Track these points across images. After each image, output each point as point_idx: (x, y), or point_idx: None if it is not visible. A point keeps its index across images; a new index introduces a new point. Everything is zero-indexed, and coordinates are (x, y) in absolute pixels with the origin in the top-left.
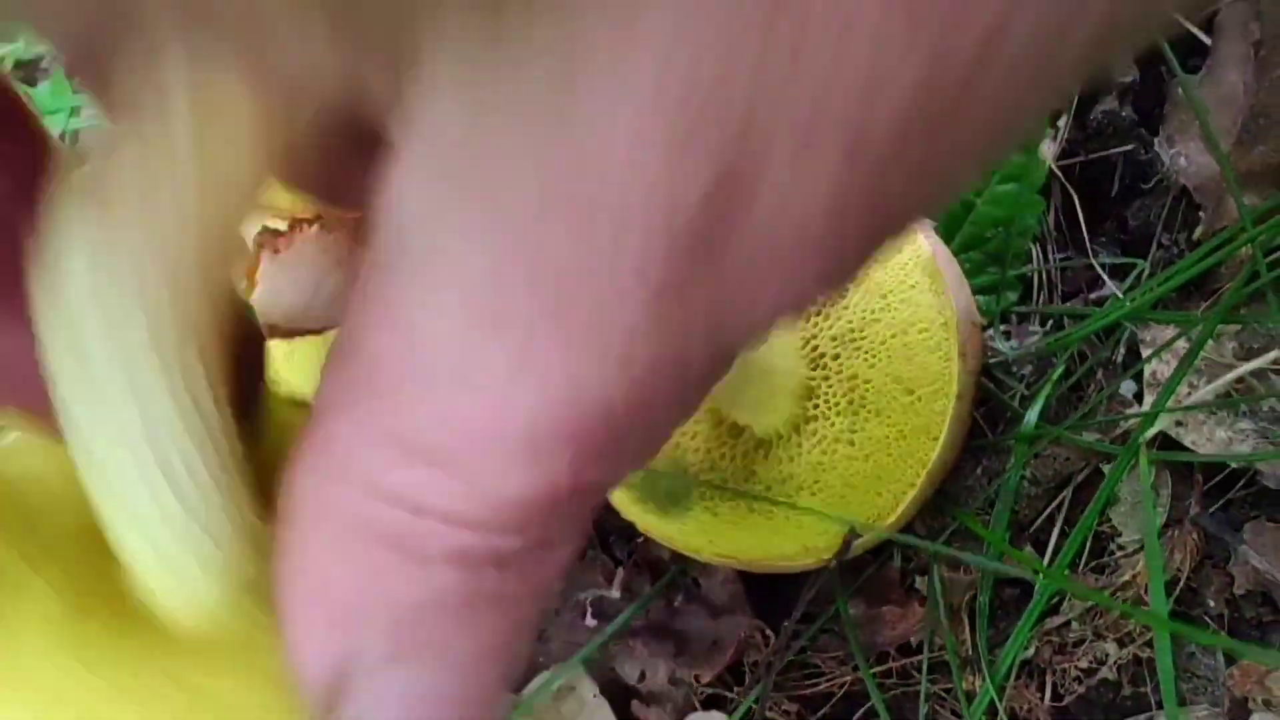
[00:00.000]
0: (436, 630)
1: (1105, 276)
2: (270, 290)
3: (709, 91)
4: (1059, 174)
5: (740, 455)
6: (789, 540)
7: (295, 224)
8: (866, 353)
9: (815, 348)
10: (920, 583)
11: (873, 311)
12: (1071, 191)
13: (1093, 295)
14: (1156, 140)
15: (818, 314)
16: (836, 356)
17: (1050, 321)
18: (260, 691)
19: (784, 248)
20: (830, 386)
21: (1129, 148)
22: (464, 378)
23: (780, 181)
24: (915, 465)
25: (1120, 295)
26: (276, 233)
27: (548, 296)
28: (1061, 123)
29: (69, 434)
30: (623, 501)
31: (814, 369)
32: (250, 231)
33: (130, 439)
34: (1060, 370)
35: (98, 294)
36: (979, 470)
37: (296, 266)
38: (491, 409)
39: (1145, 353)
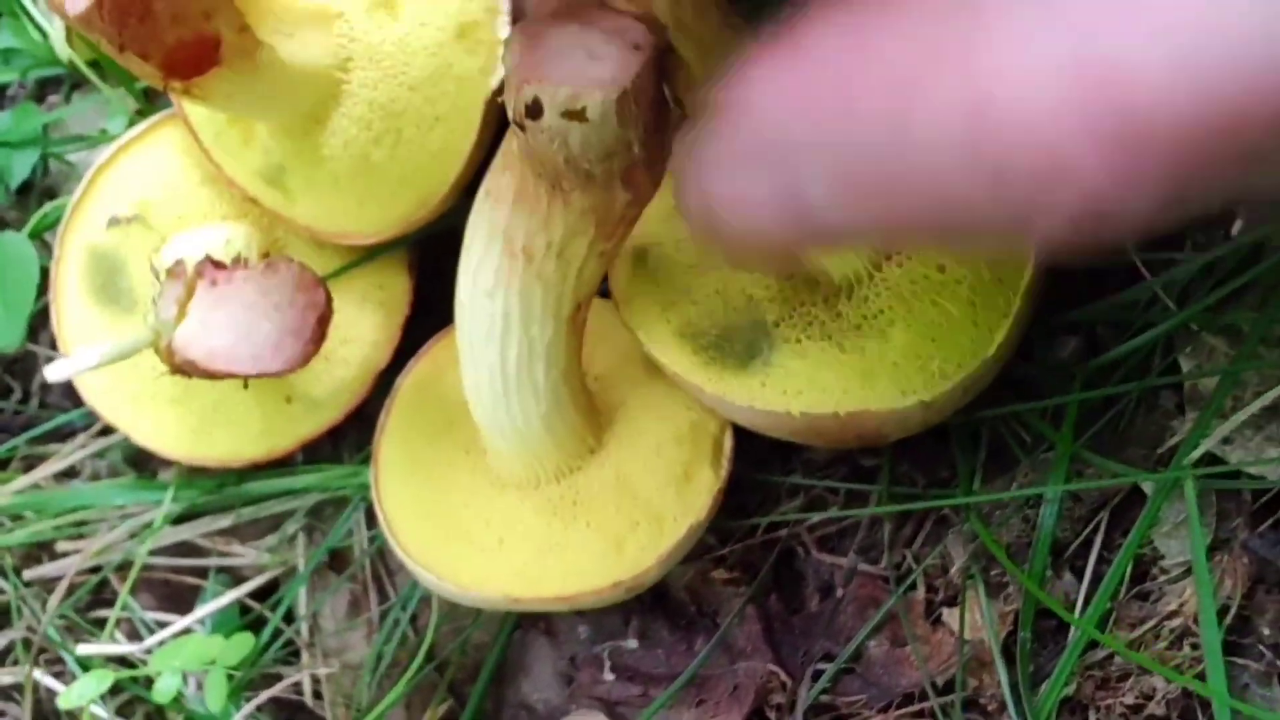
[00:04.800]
0: None
1: (1145, 271)
2: (199, 324)
3: None
4: None
5: (821, 302)
6: (885, 382)
7: (240, 259)
8: None
9: None
10: (949, 615)
11: None
12: None
13: (1123, 294)
14: None
15: None
16: None
17: (1084, 328)
18: None
19: None
20: None
21: None
22: None
23: None
24: (1007, 292)
25: (1161, 294)
26: (218, 264)
27: None
28: None
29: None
30: (689, 366)
31: None
32: (189, 251)
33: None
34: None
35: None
36: (1013, 485)
37: (233, 303)
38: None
39: (1184, 361)
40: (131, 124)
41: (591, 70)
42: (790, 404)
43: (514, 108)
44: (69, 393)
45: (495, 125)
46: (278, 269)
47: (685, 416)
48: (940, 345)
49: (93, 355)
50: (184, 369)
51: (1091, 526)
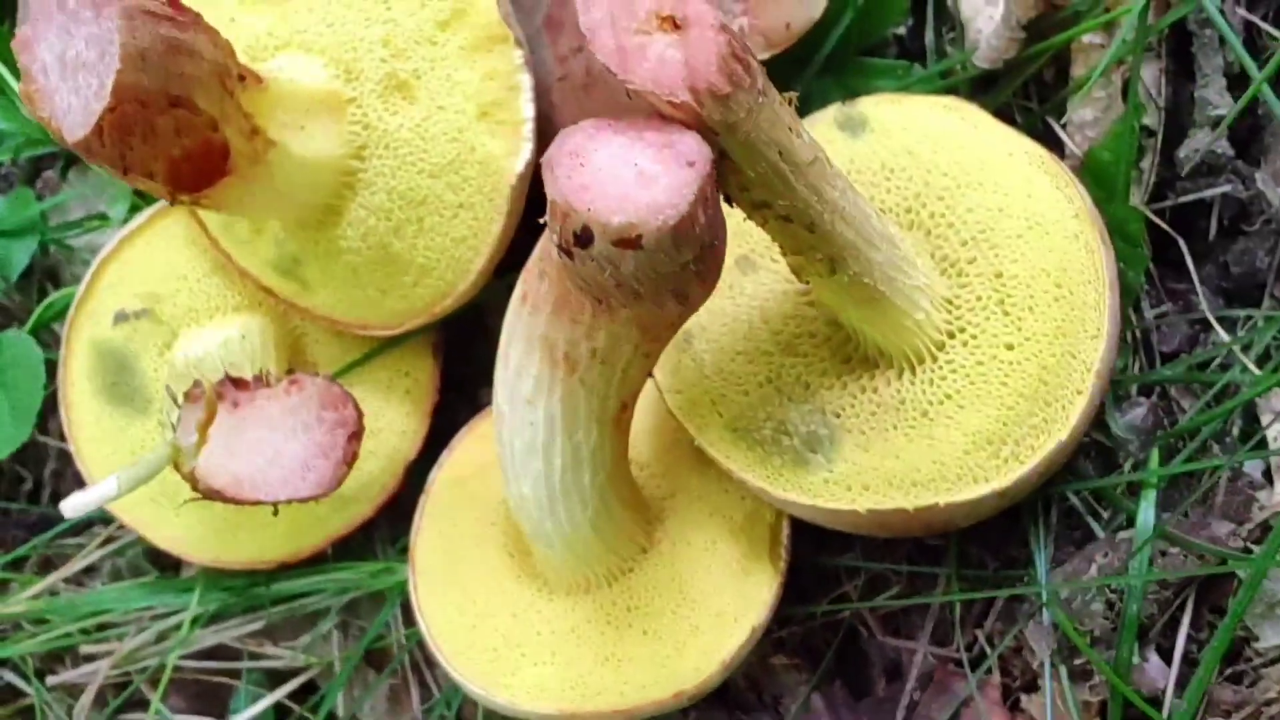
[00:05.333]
0: None
1: (1220, 330)
2: (223, 449)
3: None
4: (1152, 218)
5: (883, 385)
6: (956, 471)
7: (262, 375)
8: (1003, 248)
9: (944, 255)
10: (1028, 702)
11: (999, 208)
12: (1174, 235)
13: (1197, 354)
14: (1259, 176)
15: (936, 218)
16: (972, 260)
17: (1156, 390)
18: None
19: None
20: (971, 291)
21: (1226, 188)
22: None
23: None
24: (1080, 368)
25: (1240, 355)
26: (239, 383)
27: None
28: (1146, 164)
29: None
30: (745, 463)
31: (947, 278)
32: (202, 350)
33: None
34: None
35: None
36: (1092, 565)
37: (257, 425)
38: None
39: (1266, 420)
40: (133, 208)
41: (645, 194)
42: (856, 501)
43: (559, 233)
44: (83, 483)
45: (523, 208)
46: (302, 385)
47: (739, 507)
48: (1012, 428)
49: (110, 487)
50: (210, 496)
51: (1177, 605)
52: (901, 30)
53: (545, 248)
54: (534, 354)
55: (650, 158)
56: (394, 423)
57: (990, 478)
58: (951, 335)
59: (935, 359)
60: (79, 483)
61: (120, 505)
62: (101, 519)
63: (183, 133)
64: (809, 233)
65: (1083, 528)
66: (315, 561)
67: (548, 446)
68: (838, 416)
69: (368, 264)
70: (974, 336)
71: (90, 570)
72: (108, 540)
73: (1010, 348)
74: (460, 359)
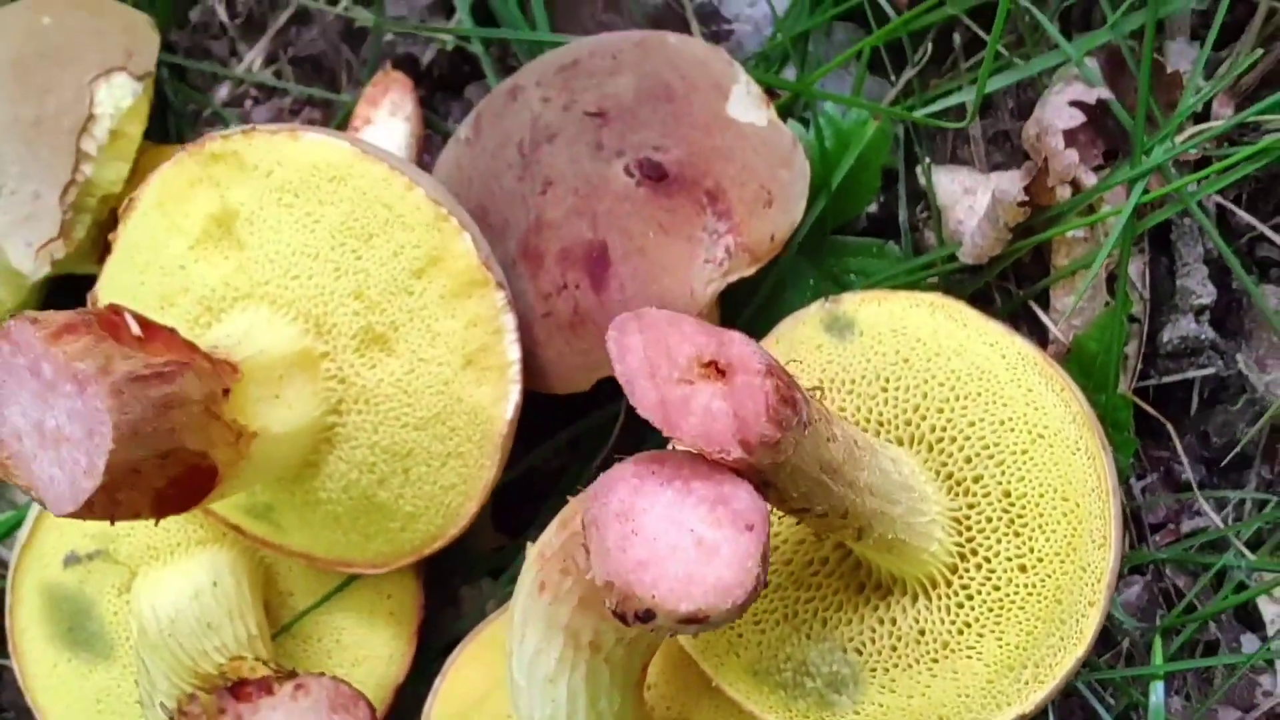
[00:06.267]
0: None
1: (1214, 516)
2: None
3: None
4: (1139, 404)
5: (900, 615)
6: (980, 701)
7: (266, 680)
8: (1009, 466)
9: (949, 473)
10: None
11: (1001, 421)
12: (1162, 420)
13: (1185, 526)
14: (1240, 358)
15: (938, 432)
16: (978, 478)
17: (1150, 568)
18: None
19: None
20: (980, 512)
21: (1210, 371)
22: None
23: None
24: (1091, 580)
25: (1234, 540)
26: (241, 686)
27: None
28: (1131, 349)
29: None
30: (767, 705)
31: (952, 496)
32: (172, 597)
33: None
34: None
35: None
36: None
37: None
38: None
39: (1269, 615)
40: None
41: (710, 572)
42: None
43: (614, 606)
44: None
45: (510, 450)
46: (308, 689)
47: None
48: (1031, 652)
49: None
50: None
51: None
52: (873, 207)
53: (568, 551)
54: (555, 639)
55: (705, 519)
56: (380, 649)
57: (1013, 702)
58: (963, 557)
59: (949, 583)
60: None
61: None
62: None
63: (169, 468)
64: (842, 519)
65: (1090, 713)
66: None
67: (571, 718)
68: (859, 653)
69: (349, 513)
70: (987, 560)
71: None
72: None
73: (1024, 569)
74: (437, 571)
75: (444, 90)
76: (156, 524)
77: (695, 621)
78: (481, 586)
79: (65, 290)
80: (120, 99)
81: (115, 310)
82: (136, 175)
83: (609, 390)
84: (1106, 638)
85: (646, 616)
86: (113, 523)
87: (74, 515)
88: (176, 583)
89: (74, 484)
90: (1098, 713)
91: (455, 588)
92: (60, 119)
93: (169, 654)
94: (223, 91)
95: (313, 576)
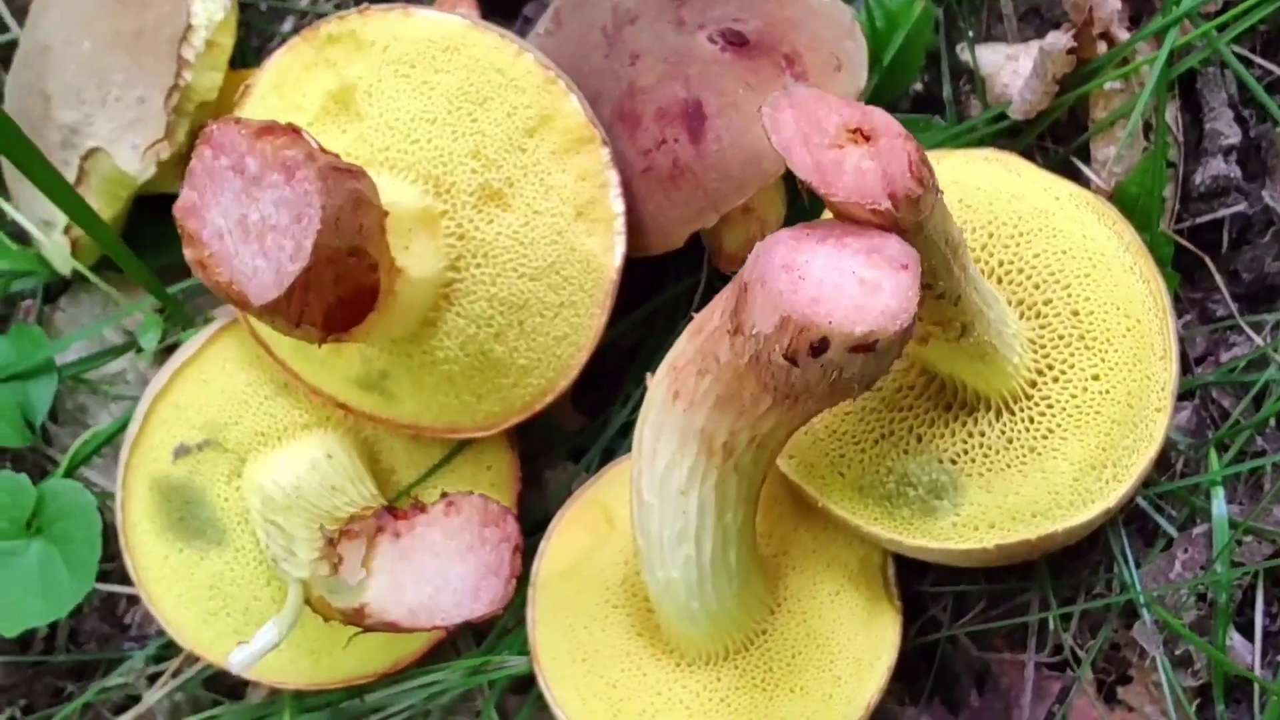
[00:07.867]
0: None
1: (1255, 336)
2: (390, 584)
3: None
4: (1179, 240)
5: (987, 428)
6: (1069, 498)
7: (417, 504)
8: (1075, 288)
9: (1020, 300)
10: (1125, 693)
11: (1063, 251)
12: (1200, 254)
13: (1224, 357)
14: (1265, 194)
15: (1006, 265)
16: (1049, 301)
17: (1198, 393)
18: None
19: None
20: (1052, 330)
21: (1238, 208)
22: None
23: None
24: (1157, 388)
25: (1274, 355)
26: (395, 512)
27: None
28: (1169, 192)
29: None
30: (873, 517)
31: (1025, 320)
32: (290, 478)
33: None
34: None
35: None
36: (1176, 562)
37: (420, 553)
38: None
39: None
40: (164, 334)
41: (875, 301)
42: (985, 539)
43: (787, 345)
44: (108, 616)
45: (617, 299)
46: (459, 506)
47: (851, 554)
48: (1110, 452)
49: (271, 634)
50: (379, 629)
51: (1250, 585)
52: (919, 86)
53: (707, 345)
54: (689, 447)
55: (863, 264)
56: None
57: (1098, 499)
58: (1040, 373)
59: (1030, 396)
60: (105, 618)
61: (197, 642)
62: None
63: (340, 281)
64: (954, 306)
65: (1157, 528)
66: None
67: (699, 531)
68: (954, 463)
69: (465, 371)
70: (1063, 372)
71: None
72: (152, 672)
73: (1097, 378)
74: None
75: (501, 13)
76: (321, 346)
77: (865, 349)
78: (565, 468)
79: (147, 211)
80: (213, 11)
81: (294, 127)
82: (223, 95)
83: (687, 261)
84: (1162, 461)
85: (821, 347)
86: (296, 326)
87: (272, 308)
88: (290, 461)
89: (279, 270)
90: (1160, 527)
91: (540, 470)
92: (160, 29)
93: (302, 511)
94: (287, 25)
95: (415, 451)
